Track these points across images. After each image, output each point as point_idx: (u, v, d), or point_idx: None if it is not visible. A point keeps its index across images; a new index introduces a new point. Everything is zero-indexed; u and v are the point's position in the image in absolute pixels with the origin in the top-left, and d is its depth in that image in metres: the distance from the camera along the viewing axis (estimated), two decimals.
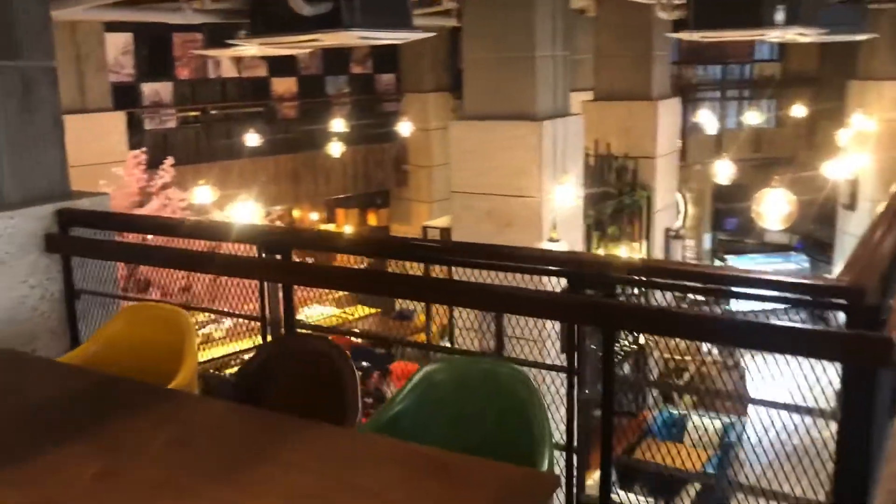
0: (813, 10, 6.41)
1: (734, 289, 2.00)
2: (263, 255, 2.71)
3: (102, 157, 10.56)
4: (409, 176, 15.62)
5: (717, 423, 9.77)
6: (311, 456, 1.65)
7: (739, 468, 9.17)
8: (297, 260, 2.83)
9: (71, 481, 1.55)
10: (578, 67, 13.31)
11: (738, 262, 15.41)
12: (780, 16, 6.07)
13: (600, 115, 10.24)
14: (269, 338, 2.77)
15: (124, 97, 11.81)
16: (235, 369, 2.88)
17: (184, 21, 7.00)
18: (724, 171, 8.72)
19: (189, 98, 13.42)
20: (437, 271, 4.57)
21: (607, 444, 2.22)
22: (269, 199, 13.12)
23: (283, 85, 14.23)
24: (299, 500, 1.51)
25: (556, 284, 2.31)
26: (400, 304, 13.02)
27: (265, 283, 2.75)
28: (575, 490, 2.40)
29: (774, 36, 6.22)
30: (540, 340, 2.83)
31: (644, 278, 2.14)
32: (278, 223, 10.88)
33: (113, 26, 11.30)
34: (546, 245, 6.19)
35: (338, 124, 13.75)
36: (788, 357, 1.96)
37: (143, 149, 10.40)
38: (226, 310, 3.42)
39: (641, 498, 7.95)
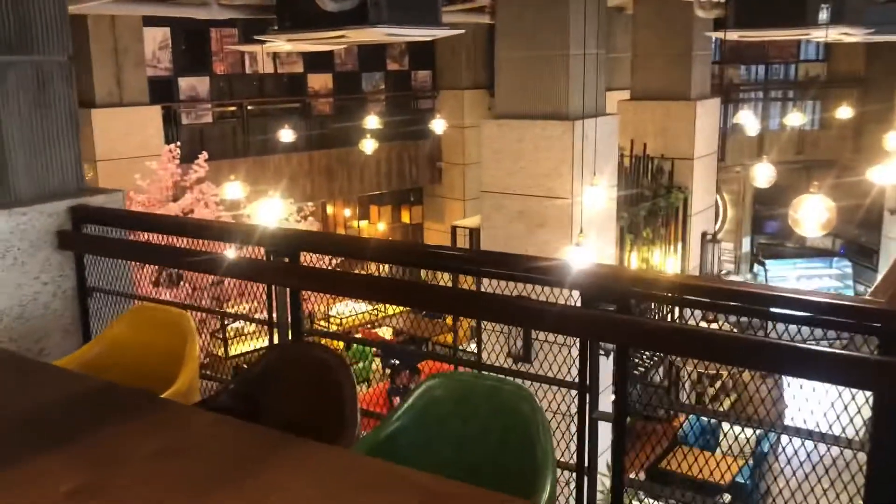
0: (859, 10, 6.18)
1: (753, 307, 1.87)
2: (271, 257, 2.64)
3: (138, 151, 10.67)
4: (443, 173, 15.54)
5: (751, 432, 9.54)
6: (296, 477, 1.57)
7: (772, 479, 8.96)
8: (307, 264, 2.76)
9: (41, 498, 1.48)
10: (616, 66, 13.13)
11: (779, 267, 15.04)
12: (823, 15, 5.86)
13: (637, 114, 10.04)
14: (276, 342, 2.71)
15: (161, 91, 11.89)
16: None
17: (209, 16, 6.99)
18: (763, 174, 8.47)
19: (226, 93, 13.48)
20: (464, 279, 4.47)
21: (618, 464, 2.10)
22: (304, 195, 13.14)
23: (319, 81, 14.23)
24: None
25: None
26: None
27: (273, 287, 2.68)
28: None
29: (818, 36, 6.00)
30: (566, 346, 2.72)
31: (663, 294, 2.02)
32: (311, 219, 10.86)
33: (151, 21, 11.38)
34: (572, 249, 6.04)
35: (373, 121, 13.71)
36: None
37: (178, 143, 10.46)
38: (236, 311, 3.35)
39: None
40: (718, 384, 10.45)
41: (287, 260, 2.59)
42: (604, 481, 2.28)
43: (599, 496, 2.28)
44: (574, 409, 2.24)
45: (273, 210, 7.04)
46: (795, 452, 2.18)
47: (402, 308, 15.03)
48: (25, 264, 3.10)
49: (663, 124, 9.76)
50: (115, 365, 2.49)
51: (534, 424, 1.87)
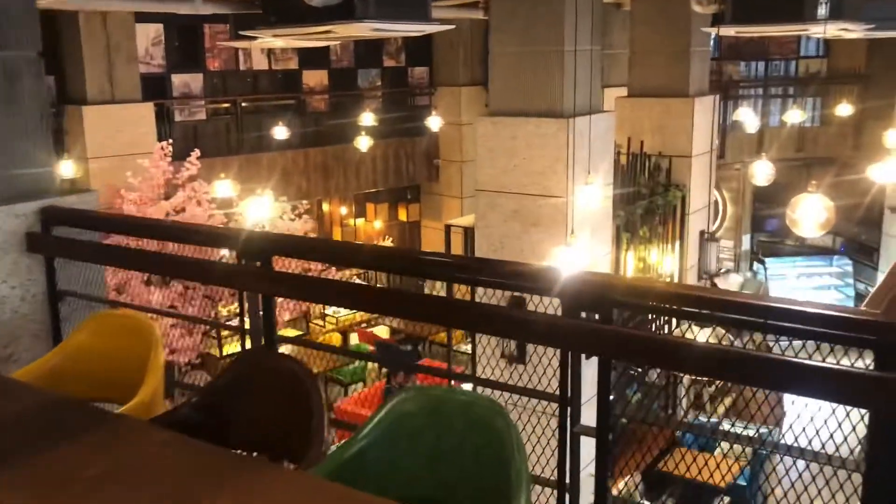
0: (858, 5, 6.06)
1: (743, 318, 1.77)
2: (243, 261, 2.53)
3: (130, 149, 10.57)
4: (441, 171, 15.42)
5: (751, 433, 9.43)
6: None
7: (774, 480, 8.84)
8: (289, 269, 2.65)
9: None
10: (614, 63, 13.01)
11: (778, 265, 14.93)
12: (822, 10, 5.74)
13: (634, 111, 9.92)
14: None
15: (154, 88, 11.79)
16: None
17: (193, 11, 6.88)
18: (762, 172, 8.36)
19: (220, 90, 13.36)
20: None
21: (602, 484, 2.00)
22: (299, 193, 13.04)
23: (314, 77, 14.11)
24: None
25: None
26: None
27: (245, 293, 2.57)
28: None
29: (816, 32, 5.89)
30: None
31: (649, 304, 1.91)
32: (306, 217, 10.74)
33: (143, 17, 11.27)
34: (563, 249, 5.93)
35: (369, 118, 13.60)
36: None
37: (170, 140, 10.36)
38: (215, 315, 3.24)
39: None
40: (718, 383, 10.35)
41: (259, 264, 2.48)
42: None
43: None
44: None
45: (263, 209, 6.91)
46: (794, 463, 2.07)
47: None
48: None
49: (661, 121, 9.64)
50: (79, 374, 2.38)
51: (508, 441, 1.76)
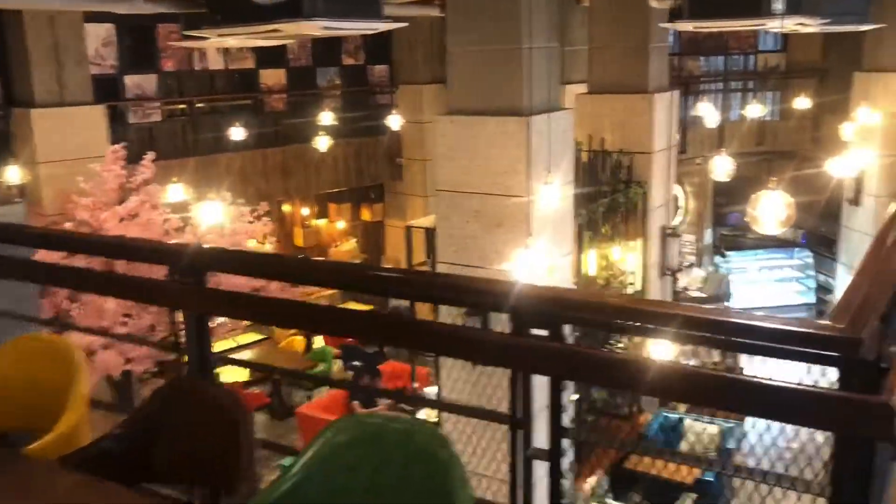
0: (815, 0, 6.04)
1: (699, 333, 1.66)
2: (176, 277, 2.37)
3: (82, 153, 10.24)
4: (404, 170, 15.26)
5: (715, 428, 9.45)
6: None
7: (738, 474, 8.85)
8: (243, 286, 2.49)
9: None
10: (576, 59, 12.95)
11: (740, 259, 15.02)
12: (779, 5, 5.70)
13: (595, 108, 9.86)
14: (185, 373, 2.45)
15: (106, 90, 11.47)
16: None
17: (132, 10, 6.64)
18: (722, 167, 8.34)
19: (175, 90, 13.07)
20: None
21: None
22: (258, 195, 12.80)
23: (272, 77, 13.86)
24: None
25: None
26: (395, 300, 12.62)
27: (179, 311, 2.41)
28: None
29: (773, 26, 5.85)
30: None
31: (600, 319, 1.80)
32: (265, 220, 10.53)
33: (93, 17, 10.96)
34: (523, 252, 5.83)
35: (329, 117, 13.40)
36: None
37: (124, 143, 10.08)
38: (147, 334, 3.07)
39: None
40: None
41: (191, 280, 2.32)
42: None
43: None
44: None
45: (216, 212, 6.71)
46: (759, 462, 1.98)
47: (364, 307, 14.78)
48: None
49: (621, 118, 9.58)
50: None
51: (452, 473, 1.63)
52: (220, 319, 8.09)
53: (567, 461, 1.90)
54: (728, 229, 16.59)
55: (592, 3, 10.21)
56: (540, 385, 1.99)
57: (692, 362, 9.02)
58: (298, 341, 12.31)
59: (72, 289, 5.53)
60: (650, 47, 9.59)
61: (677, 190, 16.18)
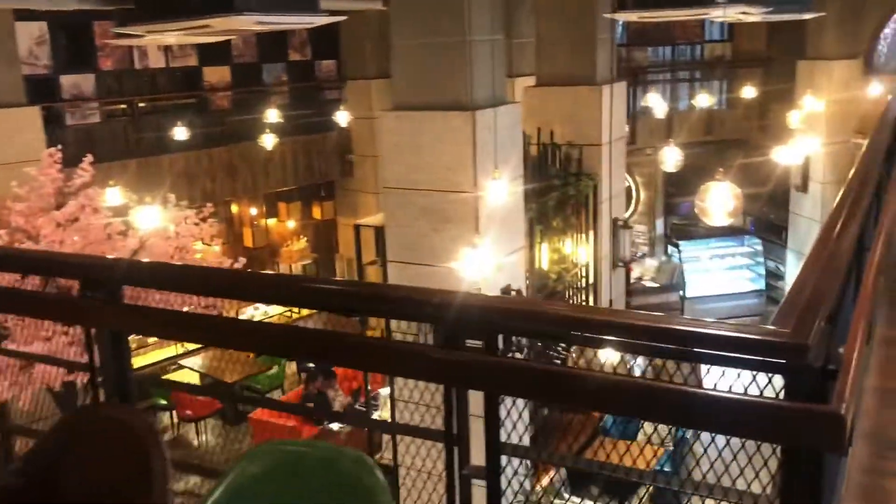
0: None
1: (641, 342, 1.56)
2: (88, 292, 2.20)
3: (15, 157, 9.85)
4: (355, 166, 15.05)
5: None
6: None
7: (693, 463, 8.90)
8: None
9: None
10: (525, 52, 12.89)
11: (692, 248, 15.15)
12: None
13: (543, 101, 9.79)
14: (101, 394, 2.28)
15: (40, 91, 11.06)
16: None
17: (53, 7, 6.36)
18: (670, 158, 8.34)
19: (115, 90, 12.68)
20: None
21: None
22: (204, 195, 12.50)
23: (216, 74, 13.55)
24: None
25: None
26: None
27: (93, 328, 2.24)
28: None
29: (716, 15, 5.83)
30: None
31: (537, 328, 1.68)
32: (211, 221, 10.24)
33: (24, 14, 10.55)
34: (469, 250, 5.73)
35: (276, 114, 13.14)
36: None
37: (59, 146, 9.71)
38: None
39: None
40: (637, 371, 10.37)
41: (105, 295, 2.16)
42: None
43: None
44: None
45: (153, 217, 6.47)
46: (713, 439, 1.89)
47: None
48: None
49: (570, 110, 9.53)
50: None
51: (377, 500, 1.51)
52: None
53: (505, 480, 1.78)
54: (679, 219, 16.72)
55: None
56: (479, 398, 1.87)
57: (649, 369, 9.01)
58: None
59: None
60: (597, 39, 9.55)
61: (629, 181, 16.27)
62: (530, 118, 9.81)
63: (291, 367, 12.49)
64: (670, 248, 15.98)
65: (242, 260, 9.01)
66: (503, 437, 1.89)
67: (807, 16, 8.95)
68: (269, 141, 12.42)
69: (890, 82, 13.04)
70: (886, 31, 14.39)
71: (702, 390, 1.50)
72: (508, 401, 1.92)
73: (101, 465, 1.79)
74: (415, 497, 3.97)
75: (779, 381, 1.53)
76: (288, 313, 14.04)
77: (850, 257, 2.26)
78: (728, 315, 14.30)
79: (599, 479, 8.82)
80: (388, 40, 13.85)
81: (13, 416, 6.03)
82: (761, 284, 14.97)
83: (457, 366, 1.70)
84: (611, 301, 10.20)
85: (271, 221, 15.32)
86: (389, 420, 7.44)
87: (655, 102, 13.68)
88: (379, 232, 7.69)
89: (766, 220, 16.06)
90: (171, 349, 11.60)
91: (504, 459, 1.85)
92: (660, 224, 16.73)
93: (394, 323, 5.29)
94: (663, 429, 9.38)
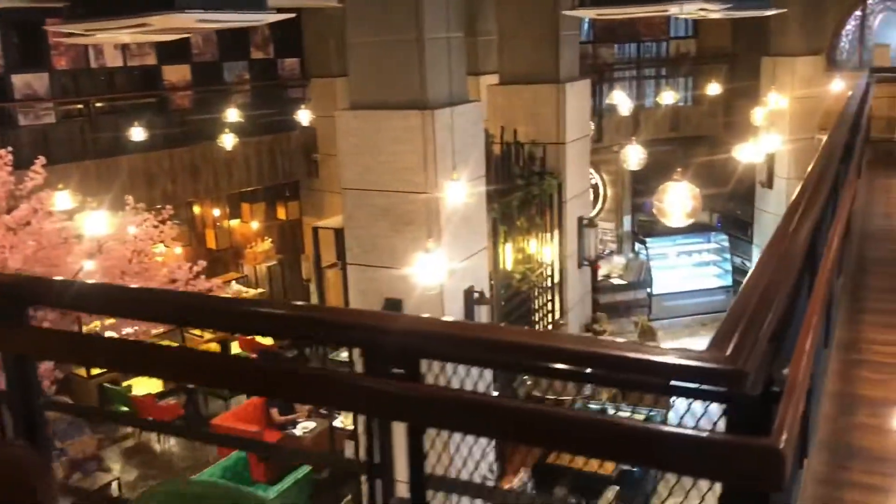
0: None
1: (572, 368, 1.44)
2: None
3: None
4: (320, 165, 14.82)
5: (639, 416, 9.44)
6: None
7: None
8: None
9: None
10: (489, 49, 12.77)
11: (659, 245, 15.14)
12: None
13: (506, 99, 9.69)
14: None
15: None
16: None
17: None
18: (633, 156, 8.27)
19: (71, 90, 12.36)
20: None
21: None
22: (165, 197, 12.24)
23: (176, 73, 13.26)
24: None
25: None
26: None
27: None
28: None
29: (674, 12, 5.75)
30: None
31: (458, 354, 1.56)
32: (170, 224, 10.01)
33: None
34: (424, 256, 5.60)
35: (238, 113, 12.90)
36: None
37: (10, 148, 9.42)
38: None
39: None
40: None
41: (9, 316, 2.00)
42: None
43: None
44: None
45: (101, 222, 6.26)
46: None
47: None
48: None
49: (533, 109, 9.43)
50: None
51: None
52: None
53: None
54: (646, 215, 16.71)
55: None
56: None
57: None
58: (213, 349, 11.82)
59: None
60: (560, 36, 9.46)
61: (595, 178, 16.23)
62: (495, 117, 9.71)
63: None
64: (637, 245, 15.96)
65: (202, 262, 8.82)
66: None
67: (769, 12, 8.95)
68: (231, 141, 12.18)
69: (852, 78, 13.12)
70: (848, 27, 14.49)
71: (636, 422, 1.39)
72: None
73: None
74: None
75: None
76: None
77: (800, 267, 2.17)
78: (695, 312, 14.33)
79: (566, 480, 8.75)
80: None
81: None
82: (728, 280, 15.00)
83: (376, 395, 1.57)
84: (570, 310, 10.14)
85: (235, 222, 15.06)
86: (351, 427, 7.31)
87: (620, 100, 13.63)
88: (339, 234, 7.53)
89: (733, 216, 16.12)
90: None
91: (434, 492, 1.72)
92: (627, 221, 16.72)
93: None
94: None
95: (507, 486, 8.14)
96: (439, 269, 5.37)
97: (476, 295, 7.28)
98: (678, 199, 4.78)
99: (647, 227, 15.76)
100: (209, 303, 1.91)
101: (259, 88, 14.68)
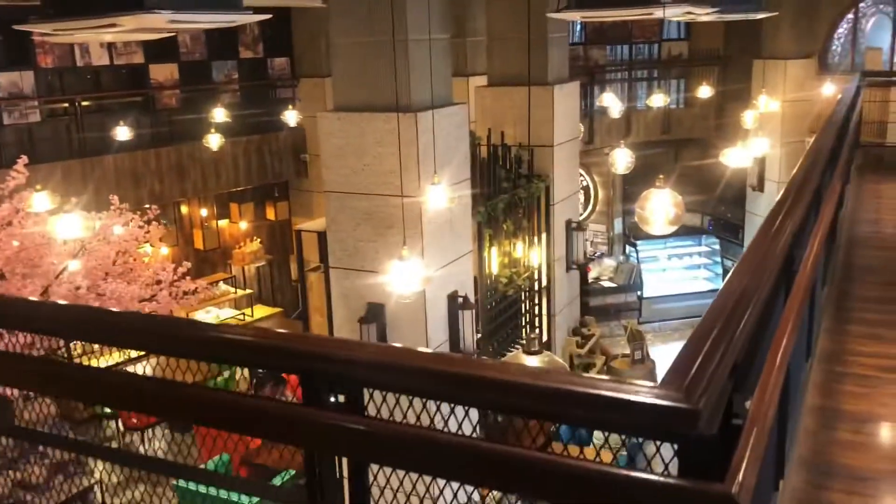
0: None
1: (510, 402, 1.35)
2: None
3: None
4: (309, 166, 14.72)
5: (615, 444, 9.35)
6: None
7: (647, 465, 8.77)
8: None
9: None
10: (480, 50, 12.68)
11: (650, 247, 15.08)
12: None
13: (495, 101, 9.60)
14: None
15: None
16: None
17: None
18: (622, 159, 8.19)
19: (57, 88, 12.23)
20: None
21: None
22: (152, 197, 12.13)
23: (163, 72, 13.12)
24: None
25: None
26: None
27: None
28: None
29: (660, 15, 5.66)
30: None
31: (399, 383, 1.47)
32: (155, 224, 9.90)
33: None
34: (406, 255, 5.50)
35: (227, 113, 12.78)
36: None
37: None
38: None
39: None
40: (593, 372, 10.26)
41: None
42: None
43: None
44: None
45: (73, 225, 6.14)
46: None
47: (271, 310, 14.25)
48: None
49: (522, 111, 9.34)
50: None
51: None
52: None
53: None
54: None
55: None
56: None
57: None
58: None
59: None
60: (549, 38, 9.38)
61: (587, 180, 16.16)
62: (483, 119, 9.62)
63: (243, 371, 12.16)
64: (628, 248, 15.90)
65: (187, 264, 8.71)
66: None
67: (759, 15, 8.87)
68: (218, 140, 12.06)
69: (843, 82, 13.07)
70: (840, 30, 14.43)
71: (584, 461, 1.30)
72: None
73: None
74: None
75: None
76: (240, 316, 13.73)
77: (773, 284, 2.08)
78: (685, 315, 14.27)
79: None
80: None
81: None
82: (719, 284, 14.94)
83: (314, 427, 1.48)
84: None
85: (223, 223, 14.92)
86: None
87: (611, 102, 13.55)
88: (322, 237, 7.44)
89: (724, 219, 16.06)
90: (116, 355, 11.22)
91: None
92: (618, 223, 16.65)
93: None
94: (616, 437, 9.27)
95: (486, 493, 8.06)
96: (415, 277, 5.27)
97: (460, 300, 7.20)
98: (660, 207, 4.69)
99: (638, 230, 15.67)
100: (146, 324, 1.82)
101: (248, 88, 14.56)
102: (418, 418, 1.51)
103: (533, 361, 3.01)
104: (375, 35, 6.47)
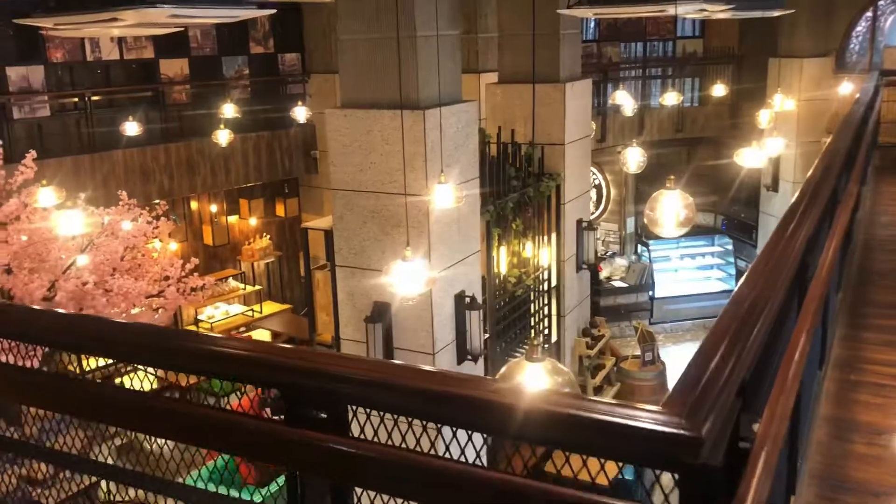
0: None
1: (477, 419, 1.26)
2: None
3: None
4: (319, 162, 14.65)
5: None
6: None
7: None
8: None
9: None
10: (491, 46, 12.57)
11: (662, 247, 14.92)
12: None
13: (505, 98, 9.49)
14: None
15: None
16: None
17: None
18: (633, 158, 8.06)
19: (67, 83, 12.22)
20: None
21: None
22: (160, 192, 12.11)
23: (173, 67, 13.08)
24: None
25: None
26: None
27: None
28: None
29: (674, 12, 5.54)
30: None
31: (384, 400, 1.38)
32: (163, 220, 9.86)
33: None
34: (399, 264, 5.40)
35: (237, 108, 12.73)
36: None
37: (0, 142, 9.29)
38: None
39: None
40: (602, 374, 10.15)
41: None
42: None
43: None
44: None
45: (76, 221, 6.09)
46: None
47: (280, 307, 14.19)
48: None
49: (533, 108, 9.22)
50: None
51: None
52: None
53: None
54: None
55: None
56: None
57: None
58: None
59: None
60: (561, 34, 9.25)
61: (599, 178, 16.02)
62: (493, 116, 9.51)
63: None
64: (640, 247, 15.75)
65: (195, 260, 8.67)
66: None
67: (775, 13, 8.72)
68: (228, 136, 12.01)
69: (861, 81, 12.87)
70: (858, 28, 14.22)
71: (576, 492, 1.21)
72: None
73: None
74: None
75: None
76: (249, 312, 13.68)
77: (783, 297, 1.98)
78: (697, 316, 14.12)
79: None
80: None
81: None
82: (732, 284, 14.77)
83: (293, 446, 1.39)
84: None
85: (232, 219, 14.89)
86: None
87: (624, 100, 13.40)
88: (329, 235, 7.36)
89: (737, 219, 15.88)
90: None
91: None
92: (630, 222, 16.50)
93: None
94: None
95: None
96: (418, 278, 5.18)
97: (468, 300, 7.11)
98: (670, 208, 4.58)
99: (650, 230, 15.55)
100: (120, 333, 1.73)
101: (258, 83, 14.51)
102: (403, 438, 1.42)
103: (536, 370, 2.92)
104: (382, 31, 6.38)
